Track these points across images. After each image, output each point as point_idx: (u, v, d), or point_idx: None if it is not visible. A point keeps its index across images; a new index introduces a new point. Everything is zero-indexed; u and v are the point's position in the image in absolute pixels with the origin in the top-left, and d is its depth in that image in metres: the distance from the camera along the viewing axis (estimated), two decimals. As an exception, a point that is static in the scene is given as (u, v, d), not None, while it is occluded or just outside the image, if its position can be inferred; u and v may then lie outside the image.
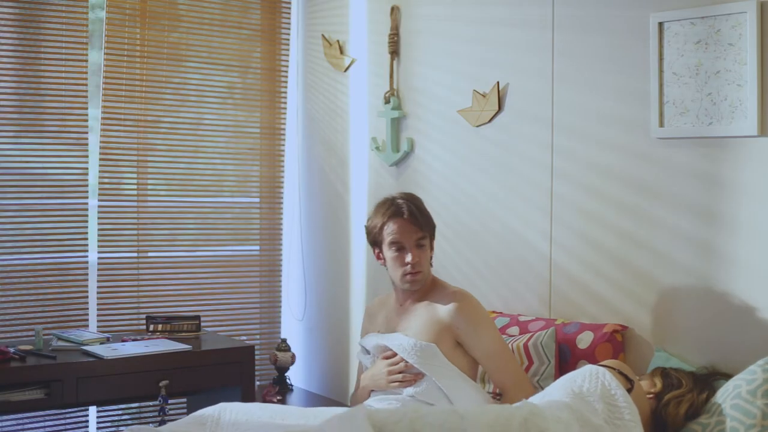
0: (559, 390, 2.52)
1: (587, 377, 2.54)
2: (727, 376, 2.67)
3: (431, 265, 3.00)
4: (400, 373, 2.85)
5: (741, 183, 2.73)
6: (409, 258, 2.88)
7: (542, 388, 2.79)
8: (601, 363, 2.73)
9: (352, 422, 2.12)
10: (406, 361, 2.85)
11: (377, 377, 2.91)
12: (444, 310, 2.88)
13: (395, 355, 2.88)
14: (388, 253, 2.92)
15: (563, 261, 3.23)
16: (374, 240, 2.97)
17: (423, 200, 3.02)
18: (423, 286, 2.96)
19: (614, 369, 2.61)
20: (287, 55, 4.48)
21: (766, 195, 2.67)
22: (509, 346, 3.04)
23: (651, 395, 2.65)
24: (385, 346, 2.92)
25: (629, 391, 2.53)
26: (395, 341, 2.90)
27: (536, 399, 2.50)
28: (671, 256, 2.91)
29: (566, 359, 3.02)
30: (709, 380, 2.67)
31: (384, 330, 3.02)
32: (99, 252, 4.02)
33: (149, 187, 4.15)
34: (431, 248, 2.98)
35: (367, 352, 3.05)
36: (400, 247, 2.89)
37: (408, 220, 2.89)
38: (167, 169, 4.19)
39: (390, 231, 2.89)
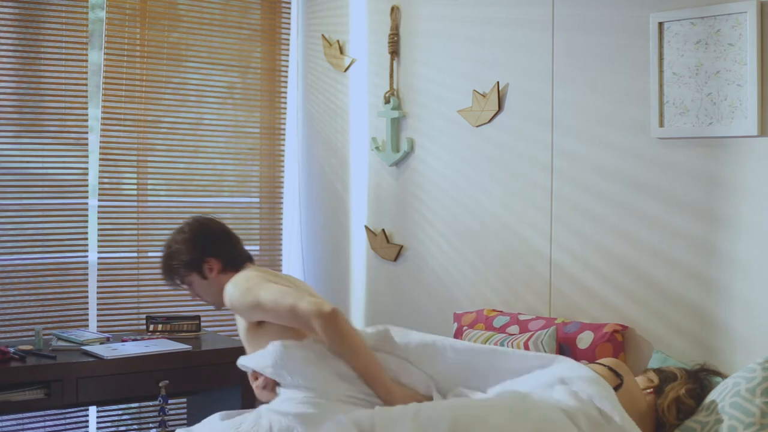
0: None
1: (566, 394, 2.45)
2: (717, 373, 2.70)
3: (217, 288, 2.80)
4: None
5: (741, 183, 2.73)
6: None
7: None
8: (595, 361, 2.74)
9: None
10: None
11: None
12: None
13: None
14: None
15: (563, 261, 3.23)
16: None
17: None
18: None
19: (604, 366, 2.62)
20: (287, 55, 4.47)
21: (766, 195, 2.67)
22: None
23: (650, 390, 2.65)
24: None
25: (618, 387, 2.53)
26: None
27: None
28: (671, 256, 2.91)
29: (566, 359, 3.02)
30: (698, 374, 2.69)
31: None
32: (99, 252, 4.02)
33: (149, 187, 4.15)
34: (202, 276, 2.83)
35: None
36: None
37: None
38: (167, 169, 4.19)
39: None
